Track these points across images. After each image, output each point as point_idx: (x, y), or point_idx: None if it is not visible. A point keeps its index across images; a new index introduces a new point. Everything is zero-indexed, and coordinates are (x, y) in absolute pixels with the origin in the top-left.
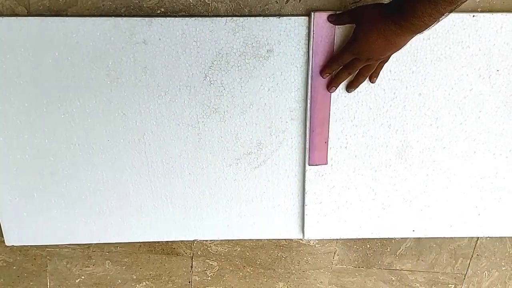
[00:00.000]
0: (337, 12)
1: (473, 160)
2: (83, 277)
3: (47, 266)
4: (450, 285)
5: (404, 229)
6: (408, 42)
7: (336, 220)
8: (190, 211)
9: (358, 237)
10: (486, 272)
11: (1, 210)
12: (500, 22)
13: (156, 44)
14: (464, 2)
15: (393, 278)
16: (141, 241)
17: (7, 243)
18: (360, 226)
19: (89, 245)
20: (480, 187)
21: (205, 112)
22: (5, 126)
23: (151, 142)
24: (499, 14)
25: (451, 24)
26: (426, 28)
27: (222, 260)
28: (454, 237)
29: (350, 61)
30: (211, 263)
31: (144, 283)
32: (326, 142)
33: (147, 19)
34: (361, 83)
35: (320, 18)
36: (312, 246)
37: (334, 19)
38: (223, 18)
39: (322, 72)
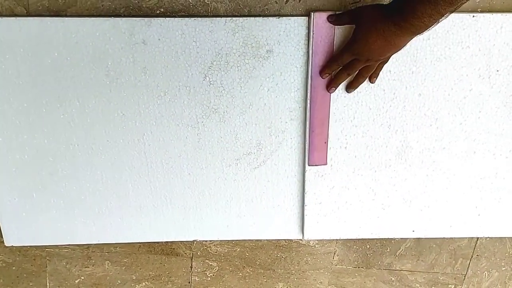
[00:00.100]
0: (337, 13)
1: (473, 161)
2: (82, 278)
3: (46, 266)
4: (450, 286)
5: (404, 230)
6: (408, 43)
7: (336, 221)
8: (190, 211)
9: (358, 238)
10: (486, 272)
11: (1, 211)
12: (500, 22)
13: (155, 44)
14: (464, 3)
15: (393, 279)
16: (140, 241)
17: (6, 244)
18: (360, 226)
19: (88, 246)
20: (480, 188)
21: (204, 112)
22: (5, 126)
23: (150, 143)
24: (499, 14)
25: (451, 25)
26: (426, 29)
27: (222, 260)
28: (454, 238)
29: (350, 62)
30: (210, 263)
31: (143, 283)
32: (326, 143)
33: (146, 19)
34: (361, 83)
35: (320, 18)
36: (312, 246)
37: (333, 20)
38: (222, 18)
39: (321, 72)
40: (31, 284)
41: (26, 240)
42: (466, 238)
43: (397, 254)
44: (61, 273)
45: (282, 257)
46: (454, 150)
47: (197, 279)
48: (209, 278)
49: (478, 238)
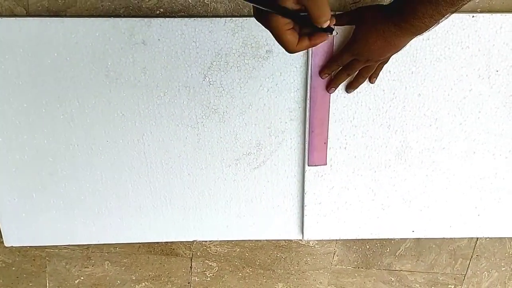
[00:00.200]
0: (337, 13)
1: (472, 161)
2: (82, 278)
3: (46, 266)
4: (449, 286)
5: (403, 230)
6: (408, 43)
7: (336, 221)
8: (190, 211)
9: (358, 238)
10: (485, 272)
11: (1, 211)
12: (499, 23)
13: (155, 44)
14: (466, 3)
15: (393, 279)
16: (140, 241)
17: (6, 244)
18: (360, 226)
19: (88, 246)
20: (480, 188)
21: (204, 112)
22: (4, 126)
23: (150, 143)
24: (498, 15)
25: (450, 25)
26: (426, 30)
27: (222, 260)
28: (454, 238)
29: (350, 62)
30: (210, 263)
31: (143, 283)
32: (326, 143)
33: (146, 19)
34: (361, 83)
35: None
36: (311, 246)
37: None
38: (222, 18)
39: (321, 72)
40: (30, 284)
41: (25, 241)
42: (465, 238)
43: (396, 254)
44: (60, 273)
45: (282, 257)
46: (453, 150)
47: (196, 279)
48: (208, 279)
49: (477, 238)
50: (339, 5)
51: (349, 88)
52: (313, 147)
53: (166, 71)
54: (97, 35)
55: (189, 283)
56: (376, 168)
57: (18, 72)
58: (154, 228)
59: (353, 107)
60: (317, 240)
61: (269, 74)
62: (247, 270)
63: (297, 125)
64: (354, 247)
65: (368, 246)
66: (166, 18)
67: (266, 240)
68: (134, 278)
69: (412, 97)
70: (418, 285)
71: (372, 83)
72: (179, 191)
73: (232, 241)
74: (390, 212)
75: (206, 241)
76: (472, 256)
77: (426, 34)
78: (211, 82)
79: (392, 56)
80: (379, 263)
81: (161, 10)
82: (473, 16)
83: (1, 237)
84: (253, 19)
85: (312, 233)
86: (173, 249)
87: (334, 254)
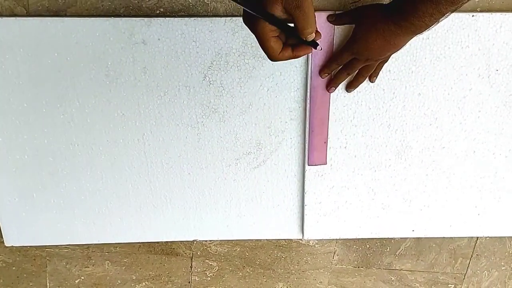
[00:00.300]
0: (337, 12)
1: (472, 160)
2: (82, 278)
3: (46, 266)
4: (449, 285)
5: (403, 229)
6: (408, 42)
7: (336, 220)
8: (190, 211)
9: (358, 237)
10: (485, 272)
11: (1, 211)
12: (499, 22)
13: (155, 44)
14: (466, 2)
15: (393, 278)
16: (140, 241)
17: (6, 244)
18: (360, 226)
19: (88, 246)
20: (480, 187)
21: (204, 112)
22: (4, 126)
23: (150, 142)
24: (498, 14)
25: (450, 24)
26: (426, 29)
27: (222, 260)
28: (454, 237)
29: (349, 61)
30: (210, 263)
31: (143, 283)
32: (326, 142)
33: (146, 19)
34: (361, 83)
35: (320, 18)
36: (311, 246)
37: (333, 19)
38: (222, 18)
39: (321, 72)
40: (31, 284)
41: (26, 240)
42: (466, 237)
43: (397, 253)
44: (61, 273)
45: (282, 256)
46: (453, 150)
47: (197, 279)
48: (209, 278)
49: (478, 237)
50: (339, 4)
51: (349, 87)
52: (313, 146)
53: (166, 71)
54: (97, 35)
55: (189, 282)
56: (376, 167)
57: (18, 72)
58: (154, 228)
59: (353, 106)
60: (317, 240)
61: (269, 74)
62: (247, 270)
63: (297, 124)
64: (354, 246)
65: (368, 246)
66: (166, 18)
67: (266, 239)
68: (134, 277)
69: (412, 97)
70: (418, 285)
71: (372, 82)
72: (179, 191)
73: (232, 240)
74: (390, 211)
75: (206, 241)
76: (472, 256)
77: (426, 33)
78: (211, 82)
79: (392, 56)
80: (379, 262)
81: (161, 9)
82: (473, 16)
83: (2, 237)
84: None
85: (312, 233)
86: (174, 248)
87: (334, 253)
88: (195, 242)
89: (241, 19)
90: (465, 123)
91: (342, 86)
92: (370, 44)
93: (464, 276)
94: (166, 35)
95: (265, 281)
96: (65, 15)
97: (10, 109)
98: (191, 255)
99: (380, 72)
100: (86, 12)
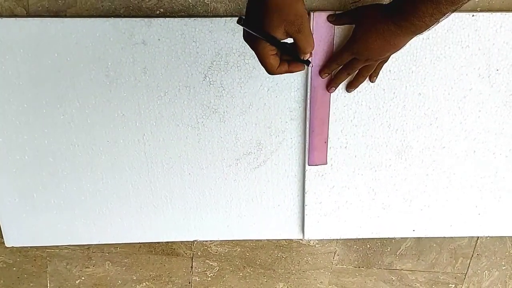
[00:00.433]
0: (337, 12)
1: (473, 160)
2: (83, 278)
3: (47, 267)
4: (450, 285)
5: (404, 229)
6: (408, 42)
7: (336, 220)
8: (190, 211)
9: (358, 237)
10: (486, 271)
11: (1, 211)
12: (499, 22)
13: (155, 44)
14: (466, 2)
15: (394, 278)
16: (141, 241)
17: (7, 244)
18: (360, 226)
19: (89, 246)
20: (480, 187)
21: (204, 112)
22: (5, 127)
23: (150, 143)
24: (498, 14)
25: (450, 24)
26: (426, 29)
27: (222, 260)
28: (454, 237)
29: (349, 61)
30: (211, 263)
31: (144, 283)
32: (326, 142)
33: (146, 19)
34: (361, 83)
35: (320, 18)
36: (312, 246)
37: (333, 19)
38: (222, 18)
39: (321, 72)
40: (31, 284)
41: (26, 241)
42: (466, 237)
43: (397, 253)
44: (61, 273)
45: (283, 257)
46: (454, 149)
47: (197, 279)
48: (209, 278)
49: (478, 237)
50: (339, 4)
51: (349, 87)
52: (313, 146)
53: (167, 71)
54: (97, 35)
55: (189, 283)
56: (376, 167)
57: (18, 72)
58: (154, 228)
59: (353, 106)
60: (317, 240)
61: None
62: (248, 270)
63: (298, 124)
64: (355, 246)
65: (368, 246)
66: (166, 18)
67: (266, 239)
68: (135, 278)
69: (412, 96)
70: (419, 284)
71: (372, 82)
72: (179, 191)
73: (233, 240)
74: (390, 211)
75: (206, 241)
76: (472, 255)
77: (426, 34)
78: (211, 82)
79: (392, 55)
80: (379, 262)
81: (161, 10)
82: (473, 15)
83: (2, 238)
84: None
85: (313, 233)
86: (174, 249)
87: (334, 253)
88: (195, 242)
89: None
90: (465, 123)
91: (342, 86)
92: (370, 44)
93: (465, 276)
94: (166, 35)
95: (266, 281)
96: (65, 16)
97: (10, 109)
98: (192, 256)
99: (380, 72)
100: (86, 13)
